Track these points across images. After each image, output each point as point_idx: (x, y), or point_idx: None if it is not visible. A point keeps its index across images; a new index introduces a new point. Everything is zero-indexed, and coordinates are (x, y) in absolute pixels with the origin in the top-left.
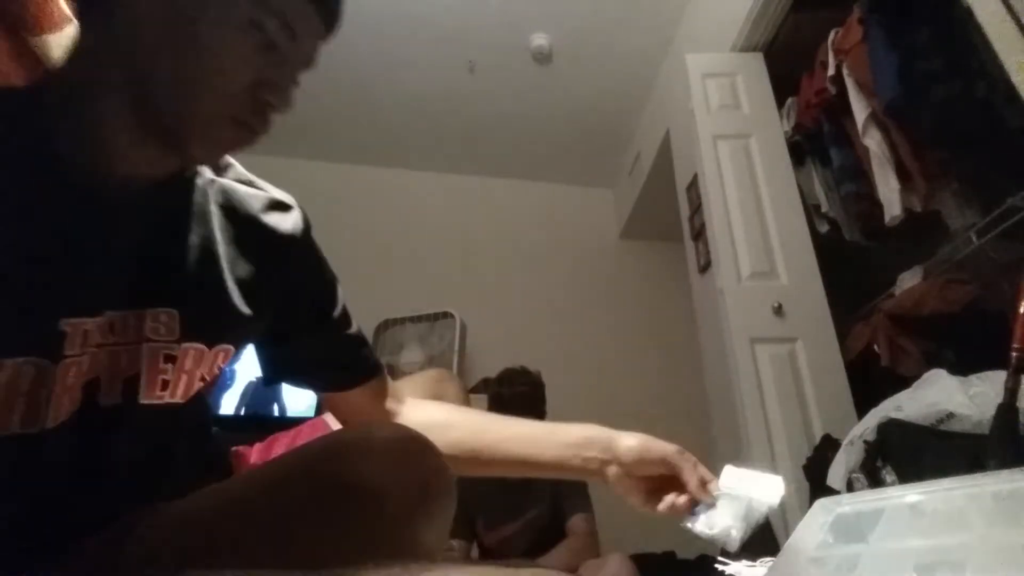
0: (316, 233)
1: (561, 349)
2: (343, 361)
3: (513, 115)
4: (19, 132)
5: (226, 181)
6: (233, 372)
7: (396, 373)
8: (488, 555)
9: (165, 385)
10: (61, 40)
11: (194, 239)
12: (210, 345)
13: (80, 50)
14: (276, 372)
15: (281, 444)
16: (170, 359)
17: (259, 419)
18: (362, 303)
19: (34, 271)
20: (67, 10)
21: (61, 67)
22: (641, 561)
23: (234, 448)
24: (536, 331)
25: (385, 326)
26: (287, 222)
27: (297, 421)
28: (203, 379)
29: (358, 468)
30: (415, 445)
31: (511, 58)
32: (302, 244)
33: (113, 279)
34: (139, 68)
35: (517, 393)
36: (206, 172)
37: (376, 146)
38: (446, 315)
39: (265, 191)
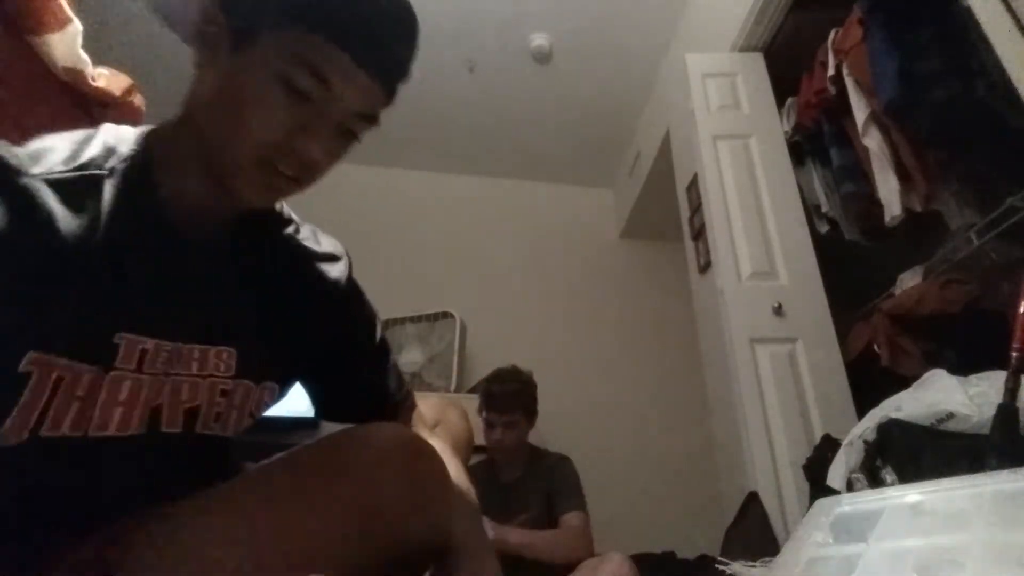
0: (371, 304)
1: (561, 349)
2: (379, 393)
3: (513, 115)
4: (136, 183)
5: (289, 234)
6: None
7: None
8: None
9: (218, 417)
10: (64, 39)
11: (258, 285)
12: (257, 382)
13: (177, 121)
14: (326, 410)
15: None
16: (224, 394)
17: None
18: None
19: (101, 287)
20: (68, 10)
21: (165, 131)
22: (641, 561)
23: None
24: (536, 331)
25: (385, 326)
26: (335, 271)
27: (295, 422)
28: (251, 415)
29: (355, 467)
30: (412, 446)
31: (511, 58)
32: (346, 290)
33: (188, 311)
34: (203, 126)
35: (507, 391)
36: (275, 227)
37: (376, 146)
38: (446, 315)
39: (319, 243)
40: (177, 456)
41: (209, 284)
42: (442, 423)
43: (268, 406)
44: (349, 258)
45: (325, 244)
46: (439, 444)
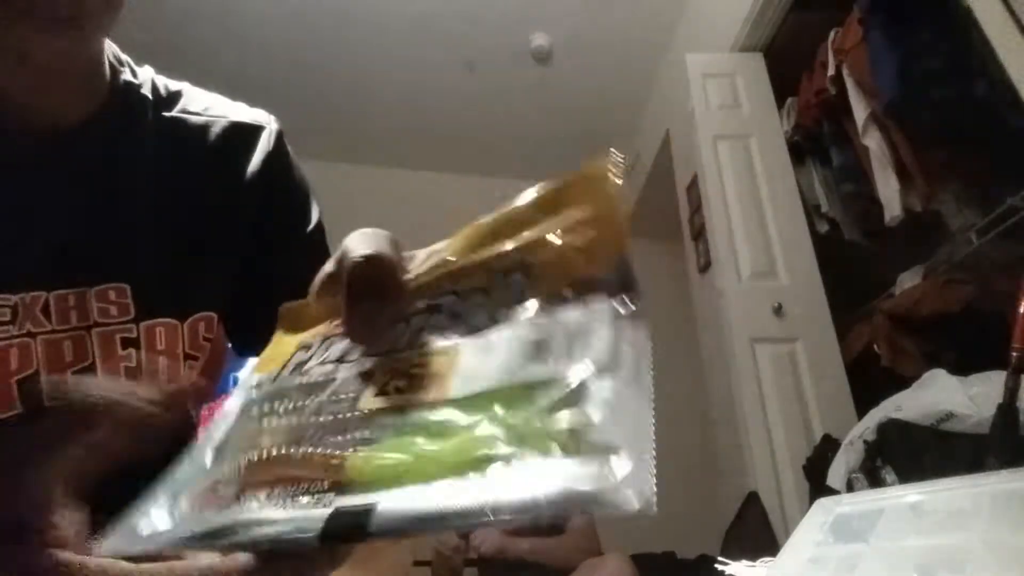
0: (309, 186)
1: None
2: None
3: (513, 115)
4: None
5: (174, 115)
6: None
7: None
8: (482, 560)
9: (131, 373)
10: None
11: (135, 194)
12: (181, 318)
13: None
14: (241, 332)
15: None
16: (130, 343)
17: None
18: None
19: None
20: None
21: None
22: (641, 561)
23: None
24: None
25: None
26: (253, 148)
27: None
28: (190, 356)
29: None
30: None
31: (511, 58)
32: (271, 168)
33: (37, 249)
34: None
35: None
36: (147, 111)
37: (376, 146)
38: None
39: (224, 116)
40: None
41: (60, 210)
42: None
43: (210, 339)
44: (277, 127)
45: (234, 114)
46: None
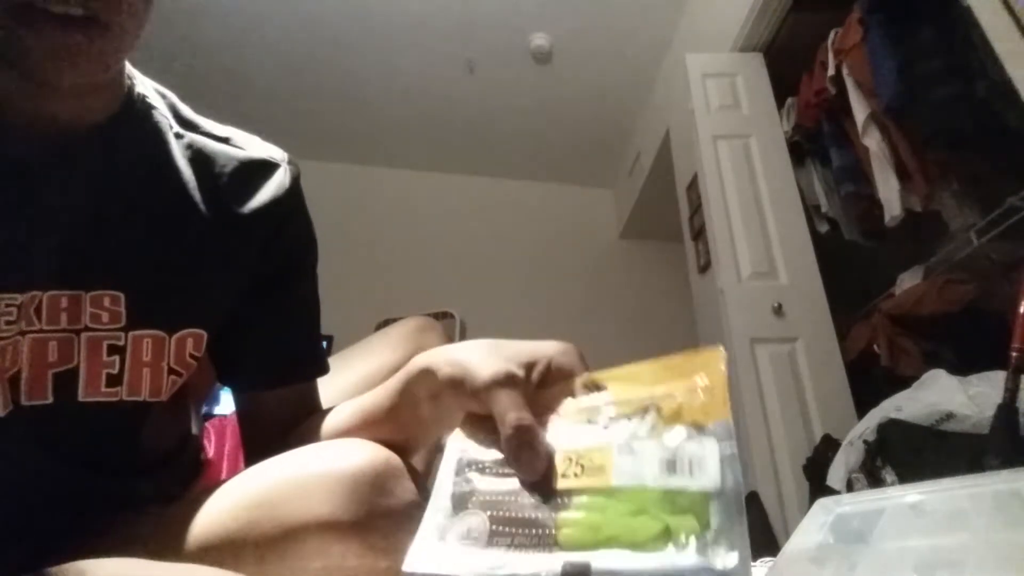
0: (315, 233)
1: None
2: (298, 342)
3: (513, 115)
4: None
5: (197, 137)
6: None
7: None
8: None
9: (113, 380)
10: None
11: (144, 206)
12: (169, 331)
13: None
14: (228, 366)
15: None
16: (116, 350)
17: None
18: (362, 303)
19: None
20: None
21: None
22: None
23: (207, 423)
24: (536, 331)
25: (385, 325)
26: (268, 183)
27: None
28: (174, 371)
29: (324, 504)
30: (388, 471)
31: (511, 58)
32: (283, 206)
33: (40, 249)
34: None
35: None
36: (169, 128)
37: (376, 146)
38: (446, 315)
39: (245, 149)
40: (76, 436)
41: (68, 213)
42: (423, 350)
43: (197, 358)
44: (294, 167)
45: (253, 149)
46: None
